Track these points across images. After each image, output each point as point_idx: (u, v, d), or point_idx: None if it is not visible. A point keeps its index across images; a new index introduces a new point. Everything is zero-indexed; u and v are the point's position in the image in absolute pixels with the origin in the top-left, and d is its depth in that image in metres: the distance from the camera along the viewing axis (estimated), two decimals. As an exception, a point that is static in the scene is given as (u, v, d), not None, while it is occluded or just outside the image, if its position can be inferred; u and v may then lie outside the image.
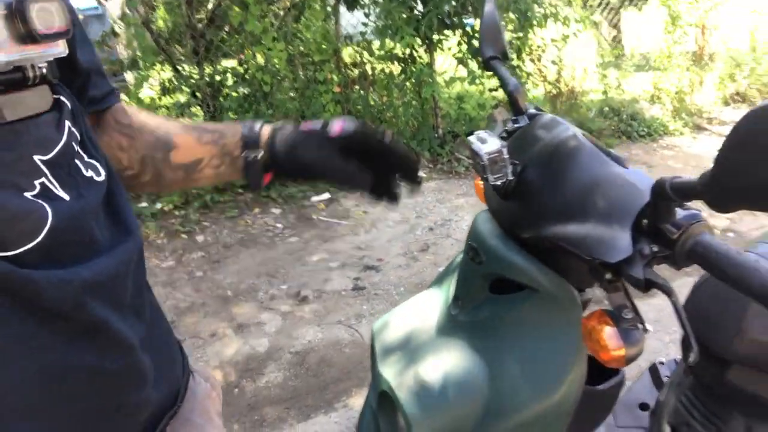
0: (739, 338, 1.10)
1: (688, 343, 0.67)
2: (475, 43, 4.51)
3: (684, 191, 0.60)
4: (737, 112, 6.37)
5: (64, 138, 0.52)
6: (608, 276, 0.72)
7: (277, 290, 3.08)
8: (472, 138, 0.89)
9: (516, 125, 1.02)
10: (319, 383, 2.33)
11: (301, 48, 4.66)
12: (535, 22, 4.76)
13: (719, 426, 1.24)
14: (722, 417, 1.25)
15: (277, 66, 4.40)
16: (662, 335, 2.47)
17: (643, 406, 1.52)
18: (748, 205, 0.53)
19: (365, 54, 4.97)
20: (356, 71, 4.95)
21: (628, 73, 6.20)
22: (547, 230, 0.79)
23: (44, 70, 0.47)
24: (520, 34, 4.86)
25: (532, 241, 0.85)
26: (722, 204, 0.57)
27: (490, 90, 5.12)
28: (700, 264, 0.64)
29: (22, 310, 0.45)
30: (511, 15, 4.76)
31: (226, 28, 4.66)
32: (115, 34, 4.31)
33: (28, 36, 0.43)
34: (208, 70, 4.60)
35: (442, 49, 4.99)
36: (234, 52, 4.73)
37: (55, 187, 0.49)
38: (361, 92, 4.98)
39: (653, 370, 1.60)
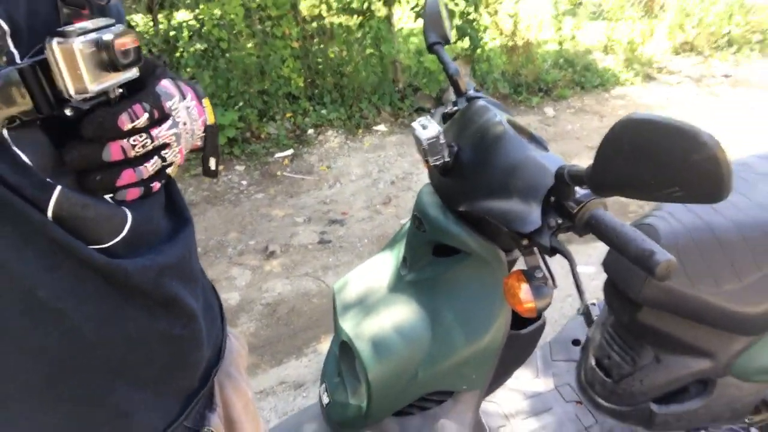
0: (648, 284, 1.29)
1: (581, 296, 0.85)
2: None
3: (576, 178, 0.76)
4: (686, 61, 6.60)
5: None
6: (524, 243, 0.89)
7: (245, 246, 3.21)
8: (414, 124, 1.03)
9: (455, 108, 1.17)
10: (290, 331, 2.50)
11: (258, 0, 4.62)
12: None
13: (633, 356, 1.46)
14: (636, 349, 1.46)
15: (233, 21, 4.38)
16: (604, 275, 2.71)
17: (576, 342, 1.74)
18: (620, 193, 0.70)
19: (323, 7, 4.96)
20: (315, 25, 4.95)
21: (583, 22, 6.32)
22: (477, 204, 0.95)
23: (120, 90, 0.55)
24: (478, -13, 4.93)
25: (466, 213, 1.00)
26: (601, 191, 0.73)
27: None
28: (594, 233, 0.80)
29: (112, 289, 0.55)
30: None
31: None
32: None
33: (111, 67, 0.51)
34: (162, 26, 4.55)
35: (399, 3, 5.01)
36: (189, 6, 4.67)
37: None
38: (321, 46, 4.99)
39: (586, 310, 1.81)
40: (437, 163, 1.01)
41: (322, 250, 3.14)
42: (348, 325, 1.10)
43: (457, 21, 4.98)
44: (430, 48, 1.22)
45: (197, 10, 4.57)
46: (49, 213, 0.49)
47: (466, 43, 5.15)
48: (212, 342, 0.74)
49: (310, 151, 4.42)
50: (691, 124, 0.55)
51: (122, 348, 0.57)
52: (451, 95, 1.22)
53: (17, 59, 0.48)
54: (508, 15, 5.35)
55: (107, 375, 0.57)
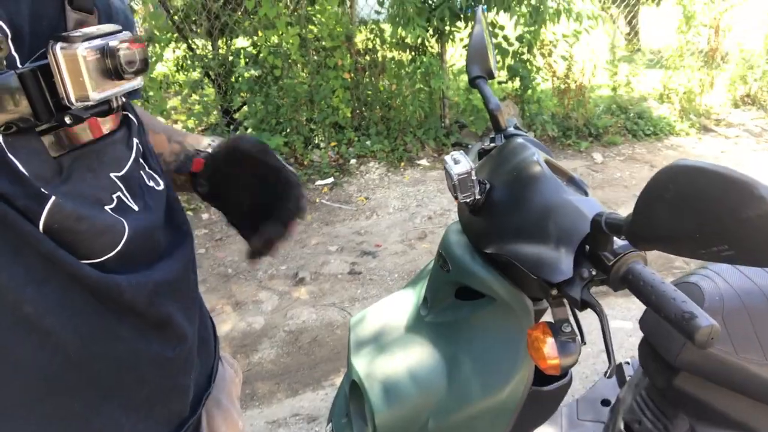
0: (686, 348, 1.20)
1: (609, 358, 0.78)
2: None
3: (614, 227, 0.70)
4: (746, 114, 6.38)
5: (133, 154, 0.58)
6: (553, 293, 0.82)
7: (276, 270, 3.19)
8: (447, 158, 0.98)
9: (492, 144, 1.12)
10: (310, 362, 2.45)
11: (314, 29, 4.72)
12: (547, 17, 4.79)
13: (666, 425, 1.35)
14: (670, 417, 1.35)
15: (289, 50, 4.47)
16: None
17: (605, 402, 1.64)
18: (661, 248, 0.63)
19: (377, 41, 5.02)
20: (367, 58, 5.01)
21: (639, 68, 6.19)
22: (506, 247, 0.89)
23: (124, 99, 0.54)
24: (532, 29, 4.90)
25: (494, 255, 0.94)
26: (640, 244, 0.66)
27: (499, 83, 5.17)
28: (630, 290, 0.73)
29: (102, 306, 0.52)
30: (524, 9, 4.79)
31: (241, 10, 4.73)
32: (132, 10, 4.40)
33: (115, 75, 0.50)
34: (221, 50, 4.69)
35: (453, 41, 5.03)
36: (247, 32, 4.81)
37: (128, 199, 0.56)
38: (371, 79, 5.04)
39: (618, 368, 1.71)
40: (467, 200, 0.96)
41: (352, 281, 3.09)
42: (360, 363, 1.04)
43: (510, 61, 4.95)
44: (472, 82, 1.17)
45: (255, 37, 4.70)
46: (40, 225, 0.47)
47: (517, 83, 5.11)
48: (204, 366, 0.71)
49: (350, 180, 4.42)
50: (746, 175, 0.48)
51: (110, 368, 0.55)
52: (509, 108, 1.17)
53: (18, 63, 0.46)
54: (562, 57, 5.29)
55: (94, 395, 0.54)
